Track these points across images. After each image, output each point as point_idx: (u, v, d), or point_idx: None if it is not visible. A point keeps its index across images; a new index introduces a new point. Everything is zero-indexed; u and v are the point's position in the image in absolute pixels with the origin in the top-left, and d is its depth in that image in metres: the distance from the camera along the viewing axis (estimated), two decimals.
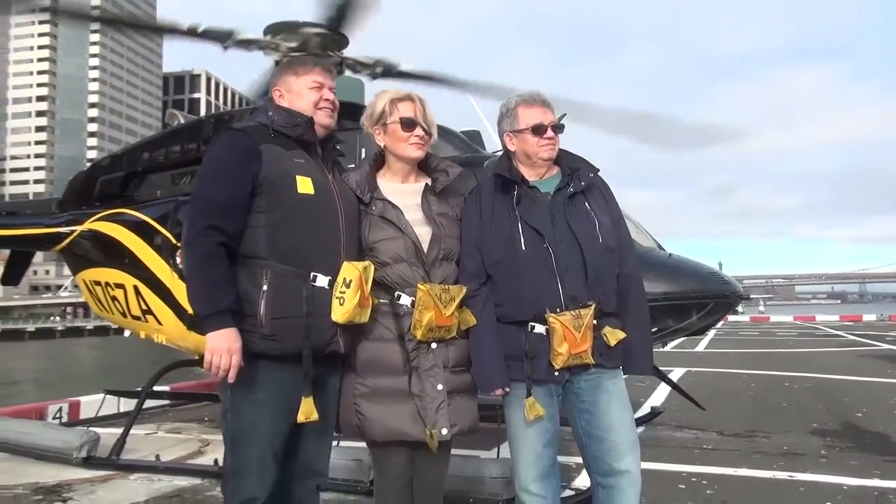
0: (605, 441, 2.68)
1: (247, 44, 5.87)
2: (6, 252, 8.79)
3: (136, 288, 6.27)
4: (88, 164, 8.80)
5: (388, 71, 6.15)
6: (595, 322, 2.64)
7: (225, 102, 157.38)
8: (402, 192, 2.78)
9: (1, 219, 8.16)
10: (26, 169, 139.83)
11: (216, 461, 5.05)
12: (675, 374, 11.22)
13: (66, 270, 8.45)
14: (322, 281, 2.50)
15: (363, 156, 5.05)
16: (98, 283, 6.81)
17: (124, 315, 6.58)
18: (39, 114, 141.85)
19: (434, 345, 2.64)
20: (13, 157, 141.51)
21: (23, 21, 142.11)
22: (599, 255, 2.69)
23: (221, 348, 2.34)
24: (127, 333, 7.38)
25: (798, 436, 6.72)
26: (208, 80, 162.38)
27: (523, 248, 2.67)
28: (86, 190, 7.23)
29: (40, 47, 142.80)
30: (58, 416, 7.52)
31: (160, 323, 6.15)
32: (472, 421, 2.74)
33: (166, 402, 8.35)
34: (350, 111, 4.53)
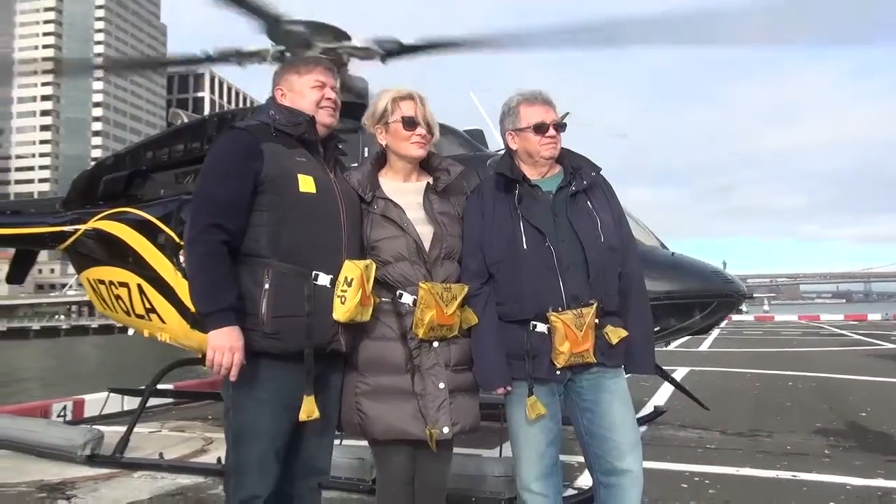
0: (607, 440, 2.68)
1: (257, 56, 5.87)
2: (11, 251, 8.83)
3: (139, 286, 6.28)
4: (93, 164, 8.83)
5: (392, 50, 6.02)
6: (597, 321, 2.64)
7: (229, 101, 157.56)
8: (403, 190, 2.79)
9: (5, 217, 8.18)
10: (31, 168, 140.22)
11: (219, 459, 5.06)
12: (679, 373, 11.21)
13: (71, 269, 8.48)
14: (324, 280, 2.50)
15: (366, 155, 5.05)
16: (102, 282, 6.82)
17: (128, 314, 6.60)
18: (44, 113, 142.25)
19: (436, 343, 2.65)
20: (18, 157, 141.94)
21: (27, 21, 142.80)
22: (601, 253, 2.69)
23: (223, 346, 2.35)
24: (131, 332, 7.41)
25: (801, 435, 6.70)
26: (212, 79, 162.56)
27: (525, 246, 2.67)
28: (90, 189, 7.24)
29: (45, 47, 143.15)
30: (62, 414, 7.55)
31: (164, 321, 6.16)
32: (474, 420, 2.74)
33: (170, 400, 8.37)
34: (353, 110, 4.54)
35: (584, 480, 4.51)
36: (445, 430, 2.60)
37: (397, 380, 2.61)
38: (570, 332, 2.57)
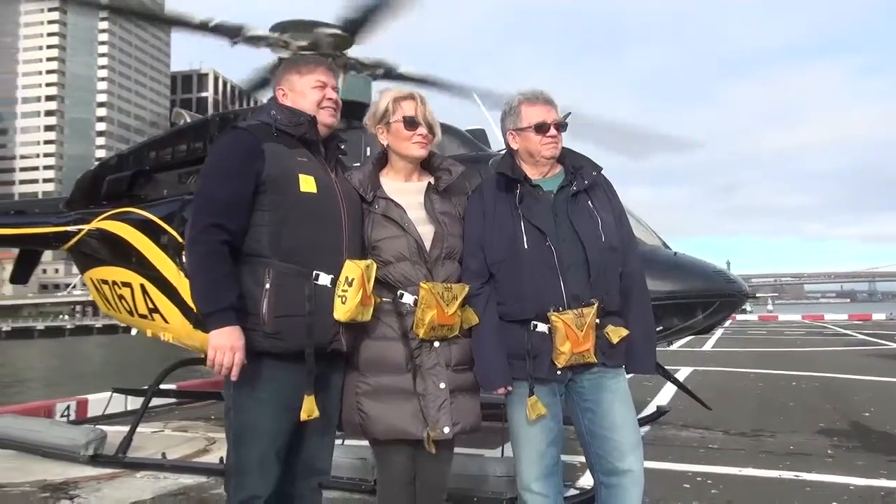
0: (608, 440, 2.68)
1: (256, 40, 5.90)
2: (15, 251, 8.86)
3: (142, 286, 6.30)
4: (96, 164, 8.86)
5: (389, 73, 6.18)
6: (598, 321, 2.64)
7: (233, 101, 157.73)
8: (404, 190, 2.79)
9: (9, 218, 8.20)
10: (35, 168, 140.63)
11: (222, 459, 5.04)
12: (682, 372, 11.21)
13: (75, 269, 8.51)
14: (324, 279, 2.51)
15: (368, 154, 5.06)
16: (105, 282, 6.84)
17: (131, 313, 6.62)
18: (49, 113, 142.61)
19: (436, 343, 2.65)
20: (23, 157, 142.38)
21: (32, 21, 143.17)
22: (602, 253, 2.69)
23: (224, 346, 2.35)
24: (134, 332, 7.42)
25: (804, 435, 6.69)
26: (216, 78, 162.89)
27: (525, 246, 2.67)
28: (93, 189, 7.27)
29: (49, 47, 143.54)
30: (65, 413, 7.57)
31: (166, 321, 6.18)
32: (475, 419, 2.74)
33: (173, 400, 8.39)
34: (355, 110, 4.54)
35: (587, 480, 4.50)
36: (446, 430, 2.60)
37: (398, 380, 2.61)
38: (570, 331, 2.57)
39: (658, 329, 4.91)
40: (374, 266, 2.57)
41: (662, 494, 4.62)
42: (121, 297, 6.64)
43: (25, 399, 14.66)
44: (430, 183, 2.82)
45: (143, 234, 6.29)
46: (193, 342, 6.06)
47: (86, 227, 6.93)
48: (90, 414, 7.73)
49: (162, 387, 6.65)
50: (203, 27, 5.81)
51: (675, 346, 15.92)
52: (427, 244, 2.68)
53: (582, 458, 3.01)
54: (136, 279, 6.35)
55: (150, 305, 6.27)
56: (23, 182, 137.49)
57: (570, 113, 5.38)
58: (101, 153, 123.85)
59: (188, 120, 7.19)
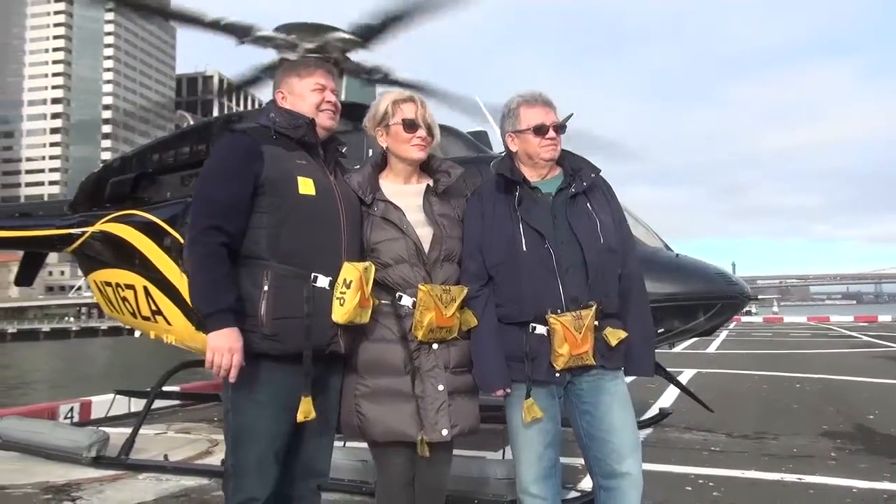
0: (607, 443, 2.68)
1: (263, 41, 5.90)
2: (20, 253, 8.90)
3: (145, 289, 6.32)
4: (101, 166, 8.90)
5: (385, 78, 6.19)
6: (596, 323, 2.64)
7: (238, 104, 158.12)
8: (403, 193, 2.79)
9: (14, 220, 8.25)
10: (41, 170, 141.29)
11: (223, 461, 5.08)
12: (686, 375, 11.18)
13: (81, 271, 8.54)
14: (323, 281, 2.51)
15: (370, 156, 5.07)
16: (109, 284, 6.87)
17: (134, 315, 6.64)
18: (54, 116, 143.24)
19: (435, 345, 2.65)
20: (28, 159, 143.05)
21: (38, 24, 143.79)
22: (601, 255, 2.69)
23: (222, 347, 2.36)
24: (137, 334, 7.44)
25: (808, 438, 6.66)
26: (220, 81, 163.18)
27: (524, 248, 2.67)
28: (97, 191, 7.29)
29: (55, 49, 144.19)
30: (69, 415, 7.57)
31: (169, 323, 6.19)
32: (473, 421, 2.74)
33: (176, 402, 8.40)
34: (359, 112, 4.55)
35: (589, 483, 4.49)
36: (444, 432, 2.61)
37: (396, 382, 2.61)
38: (569, 334, 2.57)
39: (660, 331, 4.92)
40: (373, 268, 2.58)
41: (664, 497, 4.60)
42: (124, 299, 6.66)
43: (30, 401, 14.73)
44: (428, 185, 2.82)
45: (147, 237, 6.30)
46: (196, 344, 6.07)
47: (89, 230, 6.95)
48: (94, 416, 7.74)
49: (165, 389, 6.65)
50: (214, 25, 5.81)
51: (679, 348, 15.87)
52: (426, 246, 2.68)
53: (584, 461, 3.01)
54: (140, 281, 6.37)
55: (154, 307, 6.29)
56: (28, 185, 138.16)
57: (571, 115, 5.39)
58: (106, 155, 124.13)
59: (191, 122, 7.21)
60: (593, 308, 2.62)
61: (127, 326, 7.50)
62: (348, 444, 4.32)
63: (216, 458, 5.56)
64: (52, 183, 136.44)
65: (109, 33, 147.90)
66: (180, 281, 5.91)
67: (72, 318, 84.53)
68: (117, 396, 7.71)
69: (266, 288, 2.45)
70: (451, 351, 2.68)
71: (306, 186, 2.55)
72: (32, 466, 5.53)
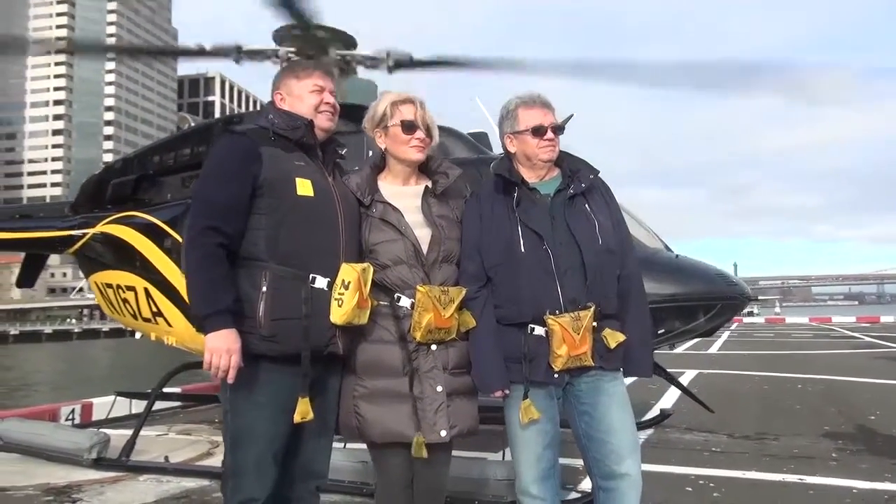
0: (606, 444, 2.68)
1: (257, 55, 5.91)
2: (21, 255, 8.90)
3: (146, 290, 6.32)
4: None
5: (401, 62, 6.10)
6: (595, 324, 2.64)
7: (240, 105, 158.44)
8: (402, 194, 2.79)
9: (15, 222, 8.24)
10: (43, 172, 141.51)
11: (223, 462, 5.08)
12: (687, 375, 11.17)
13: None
14: (321, 282, 2.51)
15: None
16: (109, 286, 6.87)
17: (135, 317, 6.64)
18: (56, 117, 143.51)
19: (434, 346, 2.65)
20: (31, 161, 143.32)
21: (40, 26, 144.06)
22: (599, 256, 2.69)
23: (220, 349, 2.36)
24: (138, 335, 7.44)
25: (809, 438, 6.66)
26: (223, 82, 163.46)
27: (522, 250, 2.67)
28: (98, 193, 7.30)
29: (57, 51, 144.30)
30: (70, 417, 7.58)
31: (170, 325, 6.19)
32: (472, 422, 2.74)
33: (178, 403, 8.40)
34: (360, 113, 4.54)
35: (589, 483, 4.49)
36: (443, 433, 2.61)
37: (395, 383, 2.61)
38: (567, 335, 2.57)
39: (660, 332, 4.93)
40: (371, 269, 2.58)
41: (664, 497, 4.60)
42: (125, 300, 6.66)
43: (32, 402, 14.71)
44: (427, 186, 2.82)
45: (147, 238, 6.30)
46: (197, 346, 6.06)
47: (90, 231, 6.95)
48: (95, 417, 7.75)
49: (166, 390, 6.64)
50: (201, 53, 5.84)
51: (681, 349, 15.86)
52: (424, 247, 2.68)
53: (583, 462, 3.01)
54: (140, 283, 6.37)
55: (154, 309, 6.29)
56: (31, 186, 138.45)
57: (571, 115, 5.38)
58: (108, 157, 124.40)
59: (192, 124, 7.22)
60: (592, 309, 2.62)
61: (128, 328, 7.51)
62: (349, 445, 4.32)
63: (217, 460, 5.56)
64: (54, 185, 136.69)
65: (111, 35, 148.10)
66: (181, 283, 5.91)
67: (74, 320, 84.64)
68: (118, 398, 7.72)
69: (264, 289, 2.45)
70: (450, 352, 2.68)
71: (305, 188, 2.55)
72: (33, 468, 5.54)
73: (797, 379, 11.39)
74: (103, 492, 4.89)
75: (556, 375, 2.65)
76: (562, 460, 2.88)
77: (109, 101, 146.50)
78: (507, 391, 2.69)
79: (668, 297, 4.87)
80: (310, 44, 5.84)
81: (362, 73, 6.22)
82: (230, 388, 2.45)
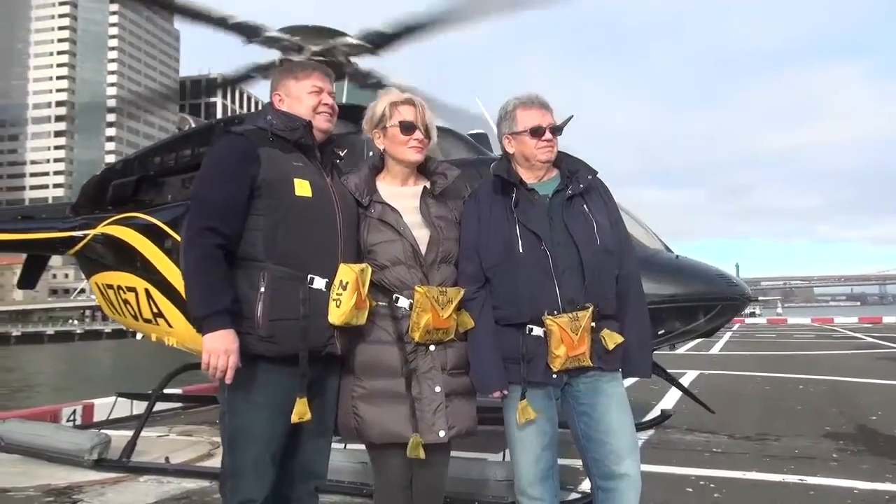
0: (605, 444, 2.67)
1: (271, 41, 5.90)
2: (23, 256, 8.92)
3: (147, 291, 6.33)
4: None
5: (378, 41, 6.02)
6: (593, 324, 2.64)
7: (241, 106, 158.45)
8: (400, 194, 2.79)
9: (17, 223, 8.27)
10: (46, 174, 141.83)
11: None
12: (689, 376, 11.15)
13: None
14: (319, 283, 2.52)
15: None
16: (110, 287, 6.88)
17: (136, 318, 6.65)
18: (59, 119, 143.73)
19: (432, 347, 2.65)
20: (33, 162, 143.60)
21: (42, 27, 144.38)
22: (597, 257, 2.69)
23: (218, 349, 2.36)
24: (139, 336, 7.45)
25: (810, 439, 6.64)
26: (224, 82, 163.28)
27: (521, 250, 2.67)
28: (99, 194, 7.32)
29: (59, 52, 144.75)
30: (71, 418, 7.59)
31: (171, 326, 6.20)
32: (471, 423, 2.74)
33: (179, 404, 8.41)
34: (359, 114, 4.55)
35: (589, 484, 4.49)
36: (441, 433, 2.61)
37: (393, 383, 2.61)
38: (565, 335, 2.57)
39: (660, 332, 4.93)
40: (369, 270, 2.58)
41: (664, 498, 4.59)
42: (126, 301, 6.67)
43: (34, 403, 14.72)
44: (425, 187, 2.83)
45: (148, 239, 6.32)
46: (197, 346, 6.00)
47: (91, 233, 6.97)
48: (96, 418, 7.75)
49: (167, 391, 6.66)
50: (223, 23, 5.80)
51: (682, 349, 15.87)
52: (422, 248, 2.68)
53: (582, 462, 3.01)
54: (141, 284, 6.38)
55: (155, 310, 6.30)
56: (33, 188, 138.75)
57: (571, 117, 5.38)
58: (110, 158, 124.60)
59: (193, 125, 7.23)
60: (590, 310, 2.62)
61: (129, 329, 7.52)
62: (349, 446, 4.32)
63: (217, 461, 5.52)
64: (56, 186, 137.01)
65: (113, 36, 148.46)
66: (181, 284, 5.91)
67: (76, 321, 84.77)
68: (119, 399, 7.74)
69: (262, 289, 2.46)
70: (448, 352, 2.69)
71: (303, 188, 2.55)
72: (34, 469, 5.54)
73: (799, 380, 11.37)
74: (104, 493, 4.89)
75: (554, 376, 2.65)
76: (562, 461, 2.88)
77: (111, 103, 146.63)
78: (505, 392, 2.69)
79: (669, 297, 4.87)
80: (323, 46, 5.85)
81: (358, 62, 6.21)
82: (228, 388, 2.46)
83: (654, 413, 7.20)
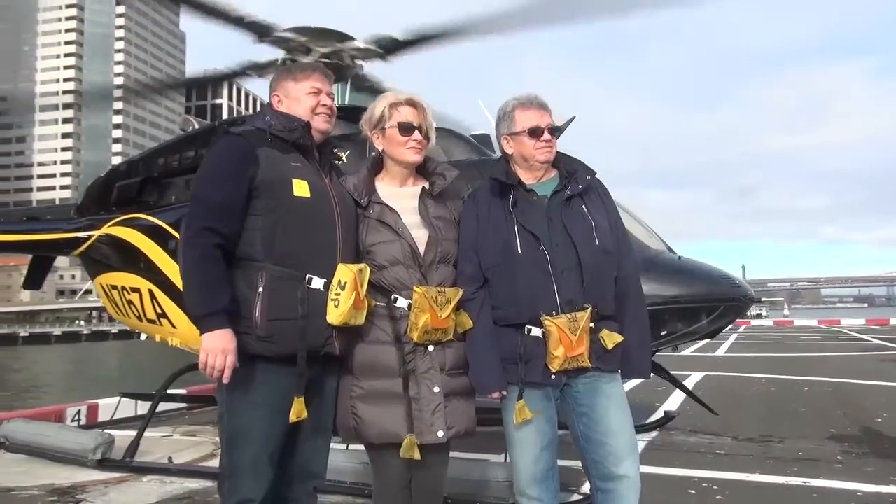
0: (604, 445, 2.67)
1: (281, 41, 5.92)
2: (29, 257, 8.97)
3: (150, 292, 6.35)
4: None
5: (390, 47, 6.02)
6: (592, 325, 2.63)
7: (247, 108, 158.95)
8: (399, 195, 2.80)
9: (22, 224, 8.31)
10: (53, 175, 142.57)
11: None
12: (694, 377, 11.14)
13: None
14: (317, 283, 2.52)
15: None
16: (115, 287, 6.91)
17: (140, 319, 6.67)
18: (66, 121, 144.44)
19: (431, 347, 2.65)
20: (40, 164, 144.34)
21: (49, 30, 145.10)
22: (596, 257, 2.68)
23: (216, 349, 2.37)
24: (143, 337, 7.48)
25: (814, 441, 6.62)
26: (230, 86, 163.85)
27: (519, 251, 2.67)
28: (103, 195, 7.35)
29: (66, 55, 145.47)
30: (76, 418, 7.62)
31: (174, 326, 6.22)
32: (469, 423, 2.74)
33: (183, 404, 8.43)
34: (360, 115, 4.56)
35: None
36: (440, 433, 2.61)
37: (391, 384, 2.61)
38: (564, 336, 2.56)
39: (662, 334, 4.91)
40: (368, 270, 2.59)
41: (666, 500, 4.58)
42: (129, 302, 6.69)
43: (41, 404, 14.78)
44: (424, 188, 2.83)
45: (151, 240, 6.34)
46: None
47: (96, 233, 7.00)
48: (101, 418, 7.79)
49: (171, 391, 6.69)
50: (237, 21, 5.82)
51: (688, 351, 15.84)
52: (421, 248, 2.69)
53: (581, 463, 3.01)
54: (145, 284, 6.40)
55: (158, 310, 6.32)
56: (40, 189, 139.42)
57: (573, 118, 5.38)
58: (117, 160, 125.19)
59: (196, 126, 7.26)
60: (588, 310, 2.62)
61: (133, 330, 7.54)
62: (351, 446, 4.33)
63: None
64: (63, 188, 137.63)
65: (120, 38, 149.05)
66: None
67: (82, 322, 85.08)
68: (123, 399, 7.77)
69: (261, 289, 2.46)
70: (447, 353, 2.69)
71: (301, 189, 2.56)
72: (38, 469, 5.57)
73: (804, 381, 11.33)
74: (107, 492, 4.91)
75: (553, 376, 2.65)
76: (564, 462, 2.87)
77: (118, 105, 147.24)
78: (504, 392, 2.69)
79: (671, 298, 4.86)
80: (331, 48, 5.87)
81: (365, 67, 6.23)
82: (226, 388, 2.47)
83: (658, 414, 7.19)
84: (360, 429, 2.64)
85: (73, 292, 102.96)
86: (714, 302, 5.02)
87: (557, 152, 2.85)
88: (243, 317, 2.45)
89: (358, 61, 6.05)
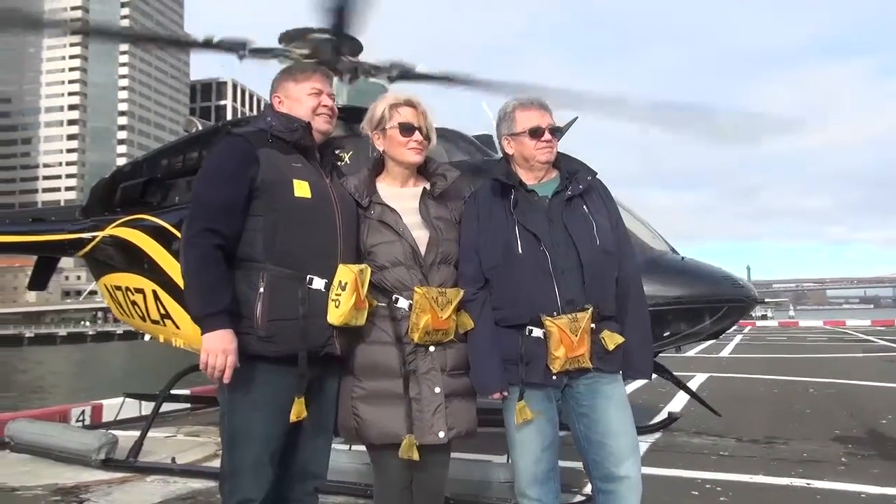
0: (605, 446, 2.66)
1: (262, 53, 5.95)
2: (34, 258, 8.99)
3: (154, 293, 6.37)
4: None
5: (405, 74, 6.17)
6: (593, 326, 2.63)
7: (251, 109, 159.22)
8: (400, 196, 2.80)
9: (27, 225, 8.34)
10: (58, 176, 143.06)
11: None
12: (698, 379, 11.11)
13: None
14: (318, 283, 2.52)
15: None
16: (119, 288, 6.93)
17: (144, 319, 6.69)
18: (71, 122, 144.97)
19: (432, 348, 2.65)
20: (45, 165, 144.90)
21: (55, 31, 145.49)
22: (596, 257, 2.68)
23: (217, 349, 2.37)
24: (147, 338, 7.50)
25: (818, 443, 6.60)
26: (234, 87, 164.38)
27: (520, 251, 2.67)
28: (108, 196, 7.37)
29: (71, 57, 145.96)
30: (80, 418, 7.65)
31: (178, 327, 6.23)
32: (470, 424, 2.74)
33: (187, 405, 8.45)
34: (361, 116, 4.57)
35: None
36: (441, 434, 2.61)
37: (392, 384, 2.61)
38: (565, 336, 2.56)
39: (665, 334, 4.91)
40: (368, 270, 2.59)
41: (669, 501, 4.57)
42: (133, 303, 6.71)
43: (46, 404, 14.81)
44: (425, 188, 2.83)
45: (155, 241, 6.36)
46: None
47: (100, 234, 7.02)
48: (105, 419, 7.81)
49: (175, 392, 6.70)
50: (207, 45, 5.88)
51: (692, 352, 15.82)
52: (422, 249, 2.69)
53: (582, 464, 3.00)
54: (149, 285, 6.42)
55: (162, 311, 6.33)
56: (46, 190, 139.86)
57: (575, 118, 5.37)
58: (122, 161, 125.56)
59: (200, 128, 7.28)
60: (589, 311, 2.61)
61: (137, 330, 7.56)
62: (353, 447, 4.33)
63: None
64: (68, 189, 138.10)
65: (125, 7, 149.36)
66: None
67: (87, 323, 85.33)
68: (127, 400, 7.79)
69: (262, 290, 2.47)
70: (448, 353, 2.68)
71: (302, 189, 2.56)
72: (42, 468, 5.60)
73: (808, 383, 11.30)
74: (110, 492, 4.93)
75: (554, 377, 2.64)
76: (566, 463, 2.86)
77: (123, 107, 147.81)
78: (505, 393, 2.69)
79: (674, 299, 4.85)
80: (319, 48, 5.88)
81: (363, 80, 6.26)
82: (227, 388, 2.47)
83: (662, 416, 7.17)
84: (360, 429, 2.64)
85: (79, 293, 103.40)
86: (717, 303, 5.01)
87: (558, 153, 2.85)
88: (244, 317, 2.46)
89: (341, 55, 6.06)
